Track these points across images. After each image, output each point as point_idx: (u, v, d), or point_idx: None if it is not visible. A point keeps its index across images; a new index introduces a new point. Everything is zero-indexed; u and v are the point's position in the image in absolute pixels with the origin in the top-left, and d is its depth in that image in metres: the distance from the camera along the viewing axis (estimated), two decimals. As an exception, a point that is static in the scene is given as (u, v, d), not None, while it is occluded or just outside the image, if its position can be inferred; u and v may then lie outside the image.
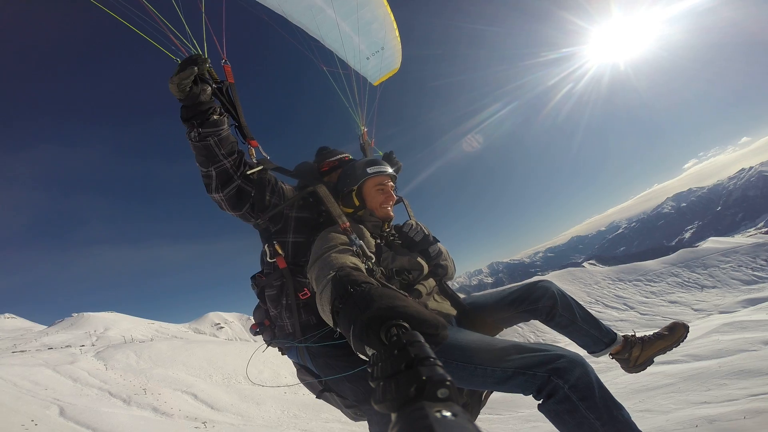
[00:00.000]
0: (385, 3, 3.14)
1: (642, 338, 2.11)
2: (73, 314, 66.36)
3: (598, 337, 2.04)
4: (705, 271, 74.76)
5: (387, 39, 3.33)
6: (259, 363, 30.66)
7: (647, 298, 71.49)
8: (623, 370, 2.16)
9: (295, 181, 2.40)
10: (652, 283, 75.46)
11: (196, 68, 1.85)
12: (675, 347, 2.09)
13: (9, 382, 15.70)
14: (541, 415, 1.50)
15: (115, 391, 18.84)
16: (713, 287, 70.58)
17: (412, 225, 2.24)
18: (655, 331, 2.17)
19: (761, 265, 72.72)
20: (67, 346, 32.18)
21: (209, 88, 1.95)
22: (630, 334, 2.17)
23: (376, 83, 3.61)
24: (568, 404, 1.37)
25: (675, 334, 2.08)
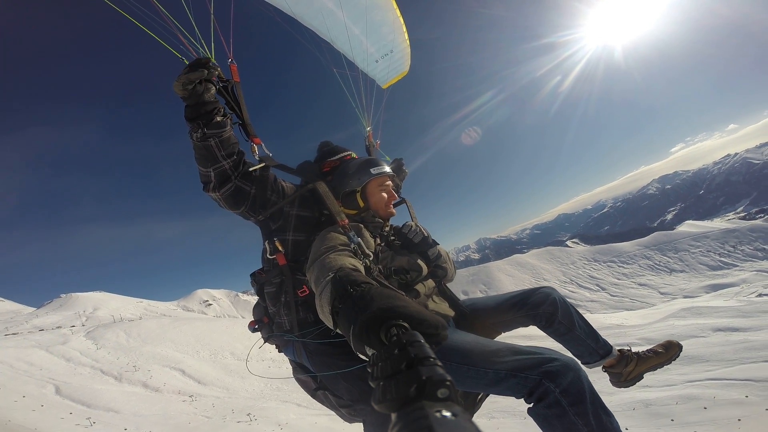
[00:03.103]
0: (395, 7, 3.15)
1: (638, 354, 2.10)
2: (61, 295, 66.08)
3: (593, 348, 2.02)
4: (675, 255, 76.08)
5: (396, 42, 3.35)
6: (244, 338, 31.82)
7: (619, 279, 72.81)
8: (611, 384, 2.16)
9: (297, 179, 2.41)
10: (625, 265, 76.85)
11: (206, 71, 1.88)
12: (667, 365, 2.09)
13: (5, 364, 16.42)
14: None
15: (106, 369, 19.84)
16: (681, 271, 71.78)
17: (411, 226, 2.21)
18: (650, 347, 2.16)
19: (728, 251, 74.24)
20: (58, 327, 32.84)
21: (213, 88, 1.96)
22: (626, 348, 2.15)
23: (384, 86, 3.62)
24: (557, 409, 1.35)
25: (669, 352, 2.08)
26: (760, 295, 26.80)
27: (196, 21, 2.02)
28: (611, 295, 66.47)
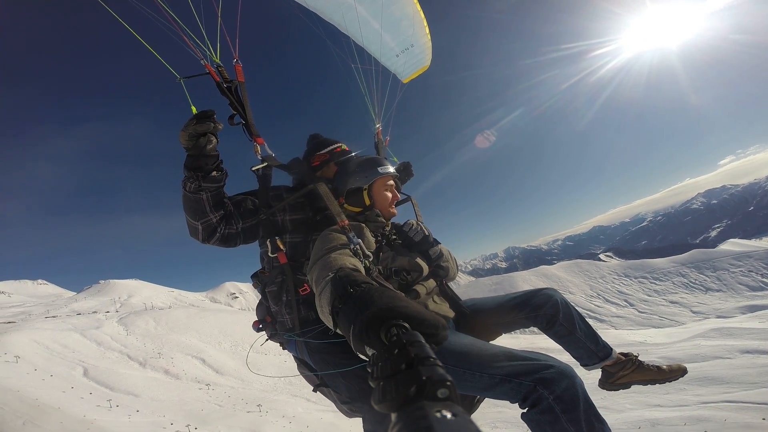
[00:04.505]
0: (415, 1, 3.12)
1: (641, 362, 2.07)
2: (100, 281, 70.23)
3: (593, 350, 2.01)
4: (713, 274, 71.31)
5: (416, 36, 3.32)
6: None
7: (649, 296, 69.40)
8: (598, 384, 2.13)
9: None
10: (657, 282, 72.97)
11: (212, 125, 1.89)
12: (660, 383, 2.07)
13: (42, 345, 17.77)
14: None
15: (133, 355, 21.07)
16: (718, 290, 67.55)
17: (413, 225, 2.19)
18: (657, 363, 2.12)
19: None
20: (94, 312, 35.01)
21: (216, 140, 1.96)
22: (634, 354, 2.12)
23: (405, 81, 3.59)
24: (550, 415, 1.36)
25: (672, 373, 2.05)
26: None
27: (199, 20, 2.00)
28: (639, 312, 63.74)
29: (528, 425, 1.47)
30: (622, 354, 2.09)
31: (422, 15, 3.23)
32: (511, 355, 1.53)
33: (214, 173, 1.97)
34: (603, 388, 2.11)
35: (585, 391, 1.41)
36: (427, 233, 2.19)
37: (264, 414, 15.04)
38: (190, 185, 1.92)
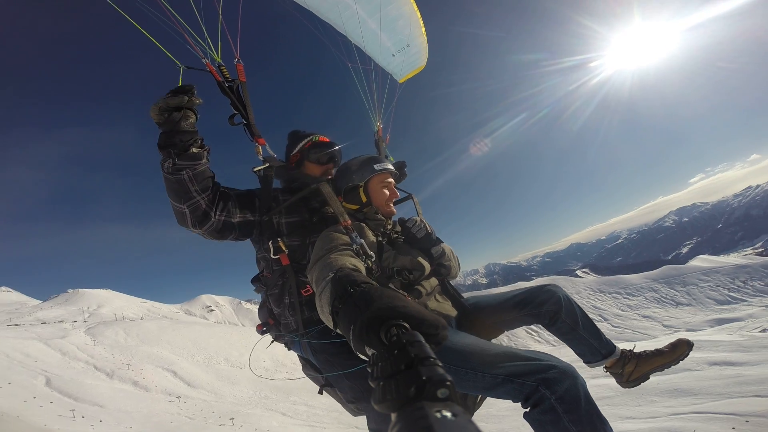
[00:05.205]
0: (412, 0, 3.13)
1: (639, 354, 2.07)
2: (68, 290, 67.22)
3: (596, 347, 2.01)
4: (683, 289, 75.05)
5: (413, 36, 3.31)
6: (240, 346, 31.90)
7: (622, 311, 71.79)
8: (617, 384, 2.13)
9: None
10: (630, 297, 75.84)
11: (186, 98, 1.81)
12: (674, 364, 2.04)
13: (1, 353, 16.84)
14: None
15: (100, 365, 20.19)
16: (688, 305, 70.67)
17: (416, 221, 2.18)
18: (657, 347, 2.12)
19: (738, 287, 73.04)
20: (60, 321, 33.51)
21: (194, 116, 1.89)
22: (628, 349, 2.13)
23: (401, 80, 3.58)
24: (552, 415, 1.37)
25: (676, 351, 2.04)
26: (764, 330, 25.83)
27: (200, 19, 1.96)
28: (613, 326, 65.20)
29: (530, 424, 1.47)
30: (621, 350, 2.11)
31: (419, 15, 3.24)
32: (513, 355, 1.52)
33: (193, 150, 1.85)
34: (623, 387, 2.11)
35: (587, 391, 1.42)
36: (429, 230, 2.16)
37: (237, 428, 14.63)
38: (166, 164, 1.82)
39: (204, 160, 1.91)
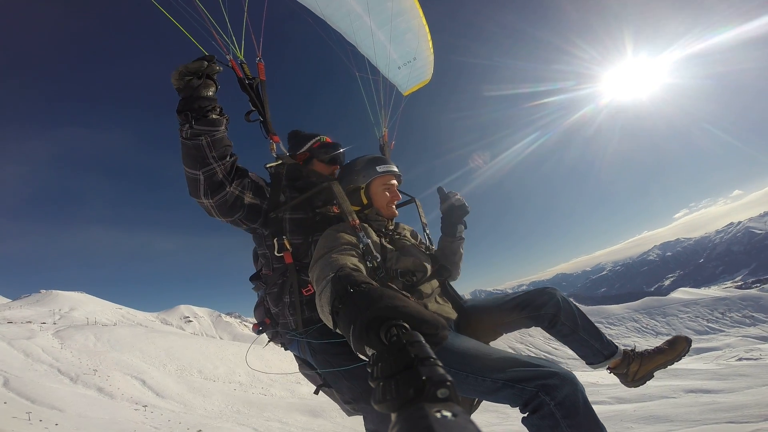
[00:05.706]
0: (421, 14, 3.13)
1: (641, 353, 2.07)
2: (41, 290, 65.28)
3: (598, 348, 2.00)
4: (664, 319, 76.61)
5: (420, 50, 3.33)
6: (216, 359, 31.06)
7: None
8: (622, 384, 2.13)
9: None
10: (612, 326, 76.64)
11: (205, 64, 1.82)
12: (676, 361, 2.04)
13: None
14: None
15: (64, 369, 19.34)
16: (667, 335, 68.60)
17: (457, 194, 2.28)
18: (657, 345, 2.12)
19: (716, 318, 74.41)
20: (28, 322, 32.26)
21: (215, 86, 1.89)
22: (629, 348, 2.13)
23: (405, 93, 3.58)
24: (551, 420, 1.37)
25: (676, 348, 2.03)
26: (740, 359, 26.36)
27: (223, 19, 2.01)
28: (592, 355, 65.69)
29: (529, 429, 1.48)
30: (623, 350, 2.13)
31: (427, 29, 3.26)
32: (514, 360, 1.53)
33: (212, 116, 1.84)
34: (629, 386, 2.11)
35: (586, 398, 1.43)
36: (467, 207, 2.30)
37: (205, 440, 14.00)
38: (184, 129, 1.80)
39: (222, 128, 1.89)
